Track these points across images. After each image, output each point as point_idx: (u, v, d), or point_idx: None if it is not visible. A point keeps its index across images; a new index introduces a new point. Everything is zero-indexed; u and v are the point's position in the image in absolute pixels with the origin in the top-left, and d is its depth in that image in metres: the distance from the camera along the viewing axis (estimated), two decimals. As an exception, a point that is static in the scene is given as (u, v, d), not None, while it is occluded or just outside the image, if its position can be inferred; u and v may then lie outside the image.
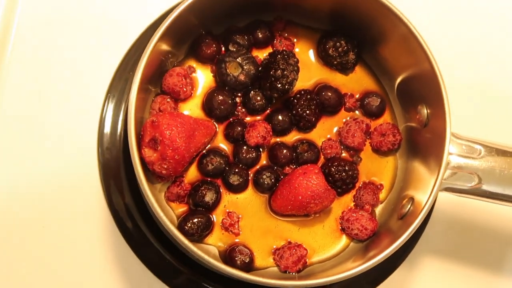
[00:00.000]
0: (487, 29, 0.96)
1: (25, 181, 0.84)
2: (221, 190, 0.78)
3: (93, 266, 0.83)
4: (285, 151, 0.79)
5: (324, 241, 0.79)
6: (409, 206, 0.75)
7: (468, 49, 0.95)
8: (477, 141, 0.73)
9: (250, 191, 0.79)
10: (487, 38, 0.96)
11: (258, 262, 0.77)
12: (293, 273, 0.76)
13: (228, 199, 0.79)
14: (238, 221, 0.78)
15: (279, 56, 0.77)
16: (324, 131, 0.82)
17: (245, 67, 0.78)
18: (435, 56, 0.72)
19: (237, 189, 0.78)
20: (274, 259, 0.77)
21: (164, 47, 0.74)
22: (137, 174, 0.68)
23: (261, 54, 0.82)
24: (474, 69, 0.94)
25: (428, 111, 0.76)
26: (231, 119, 0.80)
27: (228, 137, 0.79)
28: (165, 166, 0.71)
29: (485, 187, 0.72)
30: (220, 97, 0.79)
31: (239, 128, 0.79)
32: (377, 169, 0.82)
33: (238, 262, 0.75)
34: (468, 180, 0.72)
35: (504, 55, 0.95)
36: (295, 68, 0.77)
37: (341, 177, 0.78)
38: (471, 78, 0.93)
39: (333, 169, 0.78)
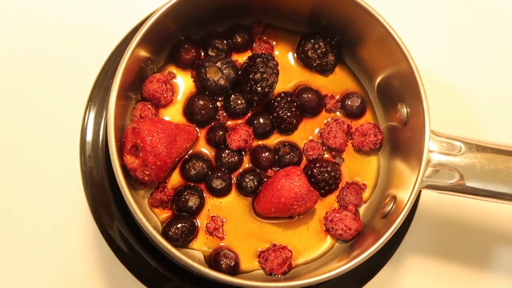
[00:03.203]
0: (464, 28, 0.97)
1: (8, 192, 0.84)
2: (204, 195, 0.78)
3: (79, 275, 0.83)
4: (267, 153, 0.79)
5: (308, 243, 0.79)
6: (391, 204, 0.75)
7: (447, 47, 0.96)
8: (457, 138, 0.73)
9: (233, 195, 0.79)
10: (465, 37, 0.96)
11: (244, 265, 0.77)
12: (279, 275, 0.76)
13: (212, 203, 0.79)
14: (222, 225, 0.78)
15: (258, 59, 0.77)
16: (306, 133, 0.82)
17: (224, 71, 0.78)
18: (413, 55, 0.72)
19: (221, 193, 0.79)
20: (259, 262, 0.77)
21: (143, 53, 0.75)
22: (118, 181, 0.68)
23: (241, 58, 0.83)
24: (452, 67, 0.95)
25: (408, 109, 0.77)
26: (212, 123, 0.80)
27: (210, 141, 0.80)
28: (147, 173, 0.71)
29: (466, 183, 0.72)
30: (201, 102, 0.79)
31: (221, 132, 0.79)
32: (360, 169, 0.83)
33: (224, 266, 0.75)
34: (449, 177, 0.72)
35: (482, 53, 0.96)
36: (275, 71, 0.78)
37: (324, 178, 0.78)
38: (449, 76, 0.94)
39: (315, 171, 0.79)
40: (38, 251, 0.83)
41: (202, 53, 0.82)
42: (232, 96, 0.80)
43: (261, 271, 0.78)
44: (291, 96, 0.81)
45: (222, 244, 0.78)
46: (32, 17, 0.89)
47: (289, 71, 0.84)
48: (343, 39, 0.83)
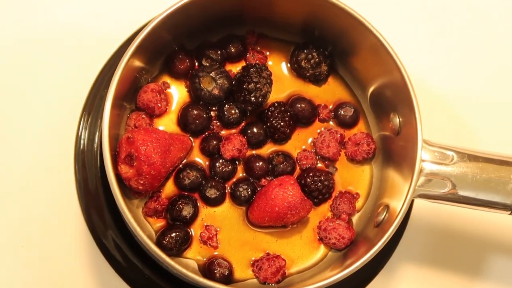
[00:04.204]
0: (456, 37, 0.97)
1: (1, 201, 0.84)
2: (198, 204, 0.79)
3: (73, 284, 0.83)
4: (260, 163, 0.80)
5: (302, 251, 0.80)
6: (384, 213, 0.76)
7: (439, 56, 0.96)
8: (449, 148, 0.73)
9: (227, 204, 0.80)
10: (457, 46, 0.97)
11: (237, 274, 0.77)
12: (273, 284, 0.76)
13: (206, 212, 0.79)
14: (216, 234, 0.78)
15: (252, 69, 0.77)
16: (299, 142, 0.82)
17: (218, 81, 0.79)
18: (405, 65, 0.73)
19: (214, 202, 0.79)
20: (253, 270, 0.78)
21: (138, 63, 0.75)
22: (113, 190, 0.68)
23: (235, 68, 0.83)
24: (444, 76, 0.95)
25: (400, 119, 0.77)
26: (206, 133, 0.81)
27: (204, 151, 0.80)
28: (142, 182, 0.72)
29: (458, 192, 0.72)
30: (195, 112, 0.79)
31: (215, 142, 0.79)
32: (353, 178, 0.83)
33: (217, 275, 0.76)
34: (441, 186, 0.72)
35: (474, 62, 0.97)
36: (268, 80, 0.78)
37: (317, 187, 0.79)
38: (441, 85, 0.94)
39: (309, 180, 0.79)
40: (31, 260, 0.83)
41: (196, 63, 0.83)
42: (226, 106, 0.80)
43: (255, 280, 0.78)
44: (284, 106, 0.81)
45: (216, 253, 0.78)
46: (26, 26, 0.89)
47: (282, 81, 0.84)
48: (336, 49, 0.83)
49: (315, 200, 0.80)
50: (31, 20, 0.90)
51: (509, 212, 0.73)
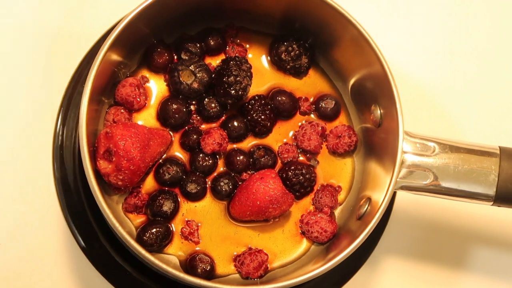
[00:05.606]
0: (436, 28, 0.97)
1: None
2: (179, 199, 0.78)
3: (53, 282, 0.82)
4: (241, 157, 0.79)
5: (284, 246, 0.79)
6: (366, 206, 0.76)
7: (419, 48, 0.96)
8: (430, 139, 0.73)
9: (208, 199, 0.79)
10: (437, 37, 0.97)
11: (219, 269, 0.77)
12: (255, 279, 0.76)
13: (187, 207, 0.78)
14: (197, 229, 0.77)
15: (231, 62, 0.77)
16: (280, 136, 0.82)
17: (198, 74, 0.78)
18: (385, 57, 0.73)
19: (195, 197, 0.78)
20: (235, 265, 0.77)
21: (115, 57, 0.74)
22: (91, 186, 0.67)
23: (214, 61, 0.82)
24: (425, 68, 0.95)
25: (381, 111, 0.77)
26: (186, 127, 0.80)
27: (184, 145, 0.79)
28: (121, 177, 0.71)
29: (440, 183, 0.72)
30: (175, 106, 0.78)
31: (195, 136, 0.79)
32: (335, 171, 0.83)
33: (199, 270, 0.75)
34: (423, 178, 0.72)
35: (455, 53, 0.97)
36: (248, 73, 0.78)
37: (299, 181, 0.78)
38: (422, 76, 0.95)
39: (290, 173, 0.78)
40: (10, 258, 0.82)
41: (175, 57, 0.82)
42: (206, 99, 0.80)
43: (237, 275, 0.77)
44: (265, 99, 0.81)
45: (197, 248, 0.77)
46: (3, 21, 0.88)
47: (262, 74, 0.84)
48: (316, 41, 0.83)
49: (297, 193, 0.79)
50: (7, 14, 0.88)
51: (491, 203, 0.73)
